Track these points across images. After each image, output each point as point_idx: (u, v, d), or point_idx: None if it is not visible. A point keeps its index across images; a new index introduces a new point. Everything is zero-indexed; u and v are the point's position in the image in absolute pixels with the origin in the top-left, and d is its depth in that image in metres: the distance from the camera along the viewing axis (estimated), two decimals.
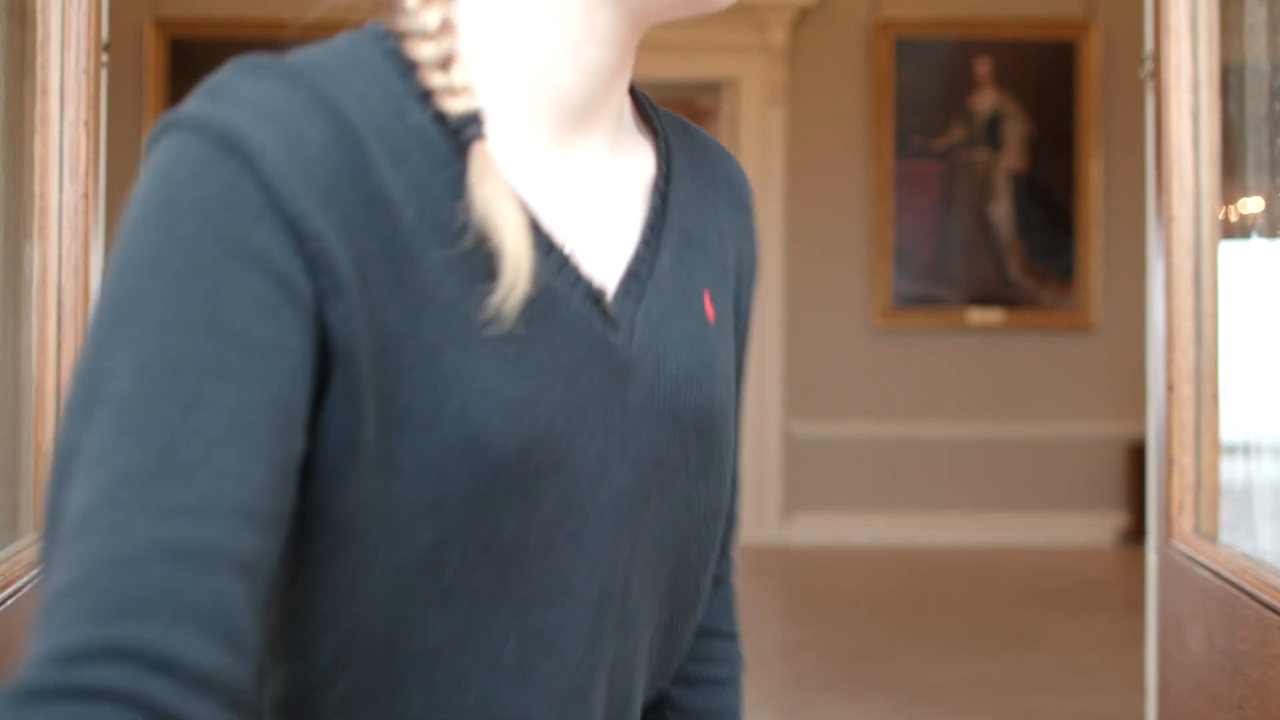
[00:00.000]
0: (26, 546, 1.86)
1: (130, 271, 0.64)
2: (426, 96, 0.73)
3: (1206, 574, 1.78)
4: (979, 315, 7.33)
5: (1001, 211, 7.32)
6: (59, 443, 0.64)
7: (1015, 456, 7.35)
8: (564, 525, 0.75)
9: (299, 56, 0.71)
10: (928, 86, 7.32)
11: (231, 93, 0.67)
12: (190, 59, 7.19)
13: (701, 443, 0.83)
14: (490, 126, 0.74)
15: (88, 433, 0.61)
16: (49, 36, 2.00)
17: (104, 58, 2.09)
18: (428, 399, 0.70)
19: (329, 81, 0.70)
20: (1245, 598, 1.64)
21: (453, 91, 0.72)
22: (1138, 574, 6.45)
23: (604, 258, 0.80)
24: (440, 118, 0.73)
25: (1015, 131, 7.31)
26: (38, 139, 2.01)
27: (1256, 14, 1.94)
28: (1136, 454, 7.15)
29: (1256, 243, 2.02)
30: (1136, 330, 6.75)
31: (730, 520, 0.96)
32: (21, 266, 2.04)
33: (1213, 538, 1.91)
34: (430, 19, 0.72)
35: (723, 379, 0.86)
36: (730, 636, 1.01)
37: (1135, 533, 7.20)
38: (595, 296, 0.77)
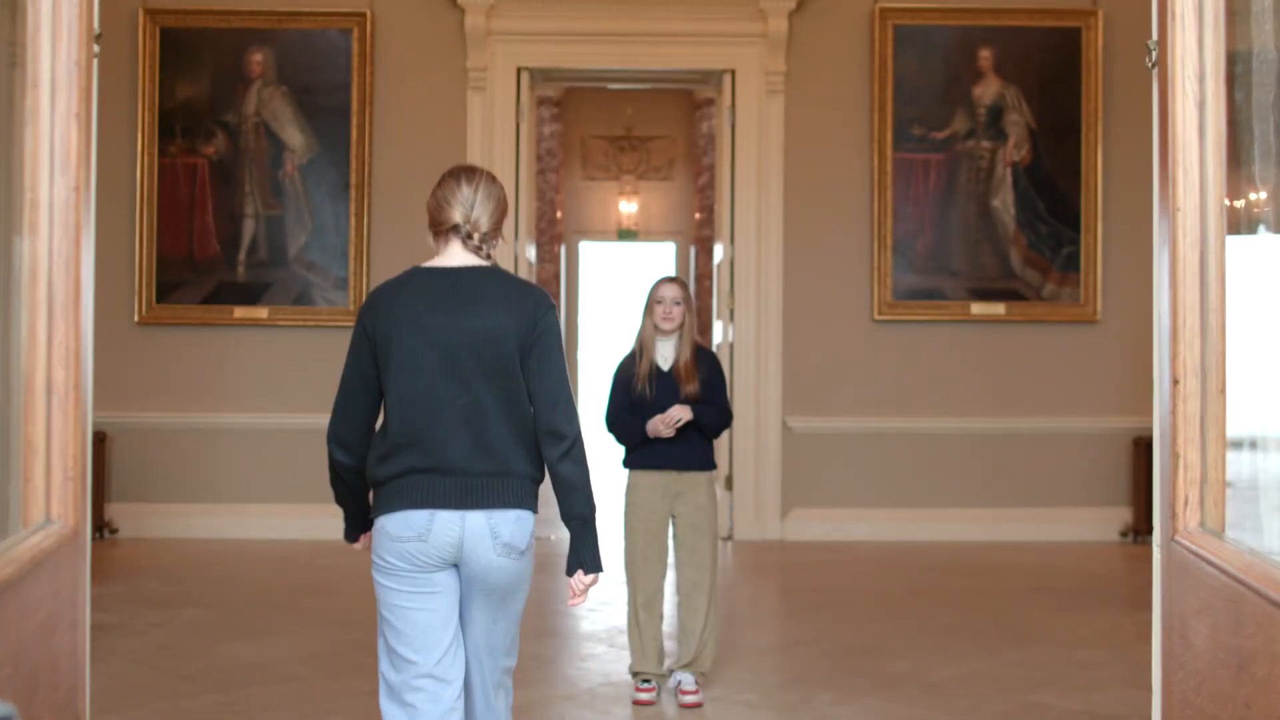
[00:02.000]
0: (16, 543, 1.83)
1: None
2: None
3: (1212, 570, 1.76)
4: (981, 308, 7.30)
5: (1003, 203, 7.29)
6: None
7: (1018, 451, 7.33)
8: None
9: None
10: (929, 76, 7.29)
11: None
12: (183, 49, 7.16)
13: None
14: None
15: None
16: (39, 27, 1.97)
17: (95, 48, 2.06)
18: None
19: None
20: (1251, 594, 1.62)
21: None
22: (1142, 570, 6.44)
23: None
24: None
25: (1017, 121, 7.28)
26: (28, 132, 1.98)
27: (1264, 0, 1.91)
28: (1142, 448, 7.13)
29: (1264, 235, 2.00)
30: (1142, 323, 6.71)
31: None
32: (11, 261, 2.01)
33: (1219, 533, 1.89)
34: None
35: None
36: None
37: (1140, 528, 7.18)
38: None
